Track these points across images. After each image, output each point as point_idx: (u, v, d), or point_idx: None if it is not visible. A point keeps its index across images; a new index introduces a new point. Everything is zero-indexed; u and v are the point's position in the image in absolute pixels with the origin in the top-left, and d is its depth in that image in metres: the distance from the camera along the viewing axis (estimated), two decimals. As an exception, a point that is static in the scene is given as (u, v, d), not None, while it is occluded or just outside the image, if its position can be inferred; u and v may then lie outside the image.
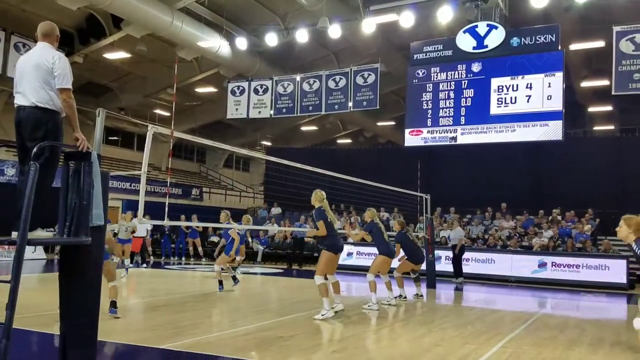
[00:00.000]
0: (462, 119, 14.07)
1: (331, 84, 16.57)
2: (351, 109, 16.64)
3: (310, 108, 17.11)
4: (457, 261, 14.77)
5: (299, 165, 10.44)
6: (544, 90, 13.20)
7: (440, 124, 14.31)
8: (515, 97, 13.47)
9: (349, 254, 16.94)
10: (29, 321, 6.78)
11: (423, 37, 15.64)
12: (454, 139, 14.16)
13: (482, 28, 13.98)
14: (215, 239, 21.41)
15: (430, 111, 14.46)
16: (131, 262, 17.36)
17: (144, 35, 17.62)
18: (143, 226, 16.67)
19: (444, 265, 16.22)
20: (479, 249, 16.89)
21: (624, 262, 14.54)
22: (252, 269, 17.63)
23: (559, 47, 13.28)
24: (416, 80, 14.78)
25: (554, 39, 13.25)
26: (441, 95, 14.37)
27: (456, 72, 14.26)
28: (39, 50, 4.24)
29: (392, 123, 27.97)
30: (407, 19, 14.83)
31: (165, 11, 16.19)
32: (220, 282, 11.44)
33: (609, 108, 23.31)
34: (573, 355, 6.17)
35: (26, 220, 3.48)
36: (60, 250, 4.53)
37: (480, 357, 5.89)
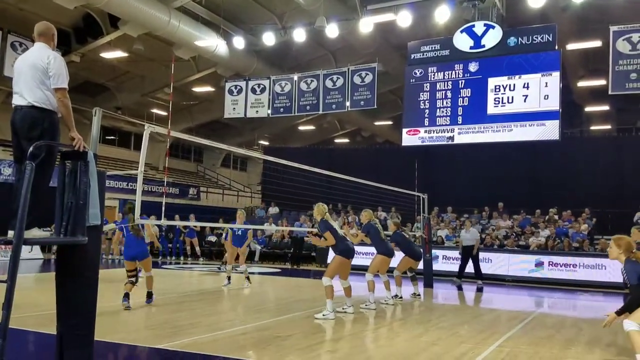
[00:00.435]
0: (459, 119, 14.07)
1: (329, 84, 16.57)
2: (349, 109, 16.64)
3: (308, 107, 17.10)
4: (477, 262, 14.56)
5: (296, 164, 10.45)
6: (541, 90, 13.21)
7: (437, 124, 14.32)
8: (512, 97, 13.49)
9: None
10: (25, 321, 6.77)
11: (420, 36, 15.65)
12: (451, 138, 14.17)
13: (479, 28, 13.99)
14: (212, 238, 21.41)
15: (427, 111, 14.47)
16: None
17: (141, 35, 17.60)
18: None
19: (442, 264, 16.26)
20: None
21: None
22: (249, 268, 17.59)
23: (556, 47, 13.30)
24: (413, 80, 14.78)
25: (550, 39, 13.26)
26: (438, 94, 14.38)
27: (453, 72, 14.26)
28: (35, 50, 4.25)
29: (390, 122, 27.99)
30: (404, 19, 14.84)
31: (162, 10, 16.17)
32: (248, 278, 12.08)
33: (605, 108, 23.37)
34: (570, 355, 6.19)
35: (22, 219, 3.47)
36: (57, 250, 4.53)
37: (477, 357, 5.89)
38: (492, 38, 13.80)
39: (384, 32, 17.71)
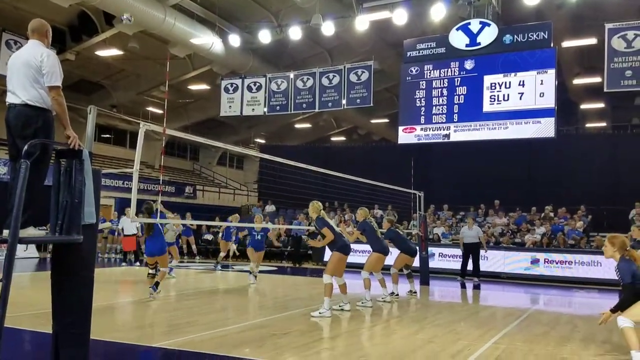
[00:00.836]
0: (455, 117, 14.10)
1: (325, 82, 16.57)
2: (345, 107, 16.66)
3: (304, 105, 17.10)
4: (477, 260, 14.52)
5: (293, 163, 10.44)
6: (536, 88, 13.24)
7: (433, 122, 14.34)
8: (508, 95, 13.51)
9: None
10: (21, 320, 6.75)
11: (416, 34, 15.66)
12: (447, 136, 14.19)
13: (474, 25, 14.01)
14: (209, 236, 21.39)
15: (423, 108, 14.49)
16: (124, 261, 17.36)
17: (136, 33, 17.54)
18: (134, 224, 16.63)
19: (438, 262, 16.29)
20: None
21: (615, 258, 14.63)
22: (245, 266, 17.59)
23: (552, 45, 13.33)
24: (409, 78, 14.79)
25: (546, 36, 13.29)
26: (434, 92, 14.39)
27: (449, 70, 14.28)
28: (29, 47, 4.23)
29: (386, 120, 28.01)
30: (400, 16, 14.85)
31: (158, 8, 16.13)
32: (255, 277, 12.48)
33: (601, 105, 23.44)
34: (565, 351, 6.21)
35: (17, 218, 3.46)
36: (53, 249, 4.51)
37: (473, 354, 5.91)
38: (487, 36, 13.83)
39: (379, 30, 17.70)
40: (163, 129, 7.30)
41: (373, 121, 28.42)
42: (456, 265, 15.54)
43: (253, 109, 17.76)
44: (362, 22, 15.47)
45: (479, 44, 13.93)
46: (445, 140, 14.29)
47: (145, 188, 21.64)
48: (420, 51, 14.71)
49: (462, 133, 14.02)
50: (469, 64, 14.06)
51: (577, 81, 21.15)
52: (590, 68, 19.70)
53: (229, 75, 19.62)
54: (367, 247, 10.23)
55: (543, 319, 8.82)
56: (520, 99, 13.39)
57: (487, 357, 5.82)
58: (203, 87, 23.72)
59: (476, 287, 13.59)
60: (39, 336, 6.20)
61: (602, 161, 20.42)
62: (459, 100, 14.11)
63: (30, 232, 3.97)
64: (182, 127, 24.48)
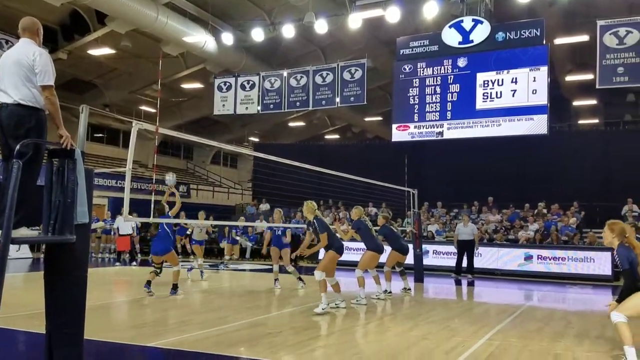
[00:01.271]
0: (449, 114, 14.13)
1: (318, 80, 16.55)
2: (338, 105, 16.65)
3: (298, 104, 17.08)
4: (471, 257, 14.58)
5: (287, 161, 10.44)
6: (529, 85, 13.28)
7: (426, 119, 14.36)
8: (501, 92, 13.56)
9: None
10: (14, 320, 6.72)
11: (409, 32, 15.67)
12: (441, 133, 14.22)
13: (467, 23, 14.03)
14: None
15: (416, 106, 14.51)
16: (118, 261, 17.30)
17: (128, 31, 17.46)
18: (128, 224, 16.60)
19: (432, 259, 16.34)
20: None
21: (608, 254, 14.71)
22: (240, 265, 17.60)
23: (544, 42, 13.37)
24: (402, 76, 14.81)
25: (538, 34, 13.33)
26: (427, 90, 14.42)
27: (442, 67, 14.31)
28: (20, 46, 4.19)
29: (380, 118, 28.03)
30: (393, 14, 14.86)
31: (150, 6, 16.06)
32: (300, 279, 11.38)
33: (593, 102, 23.54)
34: (559, 347, 6.25)
35: (10, 218, 3.44)
36: (46, 249, 4.49)
37: (467, 350, 5.94)
38: (480, 33, 13.85)
39: (372, 28, 17.71)
40: (156, 128, 7.28)
41: (367, 119, 28.44)
42: (450, 262, 15.61)
43: (247, 108, 17.72)
44: (355, 20, 15.47)
45: (472, 41, 13.96)
46: (439, 137, 14.32)
47: (139, 187, 21.57)
48: (413, 49, 14.73)
49: (456, 130, 14.06)
50: (461, 62, 14.09)
51: (569, 78, 21.23)
52: (582, 65, 19.78)
53: (222, 73, 19.57)
54: (361, 245, 10.25)
55: (537, 315, 8.86)
56: (513, 96, 13.43)
57: (481, 353, 5.84)
58: (196, 85, 23.66)
59: (470, 284, 13.64)
60: (33, 336, 6.17)
61: (595, 158, 20.54)
62: (452, 97, 14.14)
63: (23, 232, 3.95)
64: (176, 126, 24.41)
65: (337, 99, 16.33)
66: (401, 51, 14.94)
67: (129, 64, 21.97)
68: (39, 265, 15.58)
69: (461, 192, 20.51)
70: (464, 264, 14.75)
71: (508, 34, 13.62)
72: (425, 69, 14.52)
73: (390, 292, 10.56)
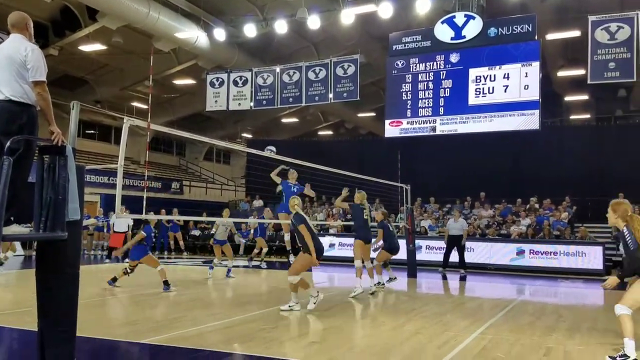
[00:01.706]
0: (441, 110, 14.17)
1: (311, 76, 16.53)
2: (331, 101, 16.63)
3: (291, 100, 17.05)
4: (462, 252, 14.59)
5: (280, 157, 10.44)
6: (521, 80, 13.34)
7: (419, 115, 14.40)
8: (493, 87, 13.60)
9: (331, 245, 16.99)
10: (6, 318, 6.70)
11: (402, 27, 15.66)
12: (433, 129, 14.26)
13: (459, 18, 14.06)
14: (196, 232, 21.32)
15: (409, 102, 14.54)
16: (109, 257, 17.22)
17: (119, 27, 17.34)
18: (124, 221, 16.50)
19: (425, 254, 16.40)
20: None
21: (600, 248, 14.85)
22: (234, 262, 17.54)
23: (536, 37, 13.43)
24: (395, 71, 14.82)
25: (530, 29, 13.38)
26: (420, 85, 14.45)
27: (435, 63, 14.33)
28: (10, 42, 4.15)
29: (373, 114, 28.01)
30: (385, 10, 14.85)
31: (141, 2, 15.95)
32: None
33: (585, 97, 23.63)
34: (551, 341, 6.29)
35: (0, 216, 3.42)
36: (37, 246, 4.47)
37: (460, 344, 5.97)
38: (472, 29, 13.89)
39: (365, 24, 17.68)
40: (148, 124, 7.24)
41: (360, 115, 28.41)
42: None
43: (239, 104, 17.67)
44: (348, 16, 15.45)
45: (464, 37, 13.99)
46: (432, 133, 14.36)
47: (131, 184, 21.49)
48: (406, 44, 14.75)
49: (448, 126, 14.11)
50: (454, 57, 14.12)
51: (561, 73, 21.30)
52: (574, 60, 19.84)
53: (214, 69, 19.50)
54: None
55: (529, 309, 8.92)
56: (505, 91, 13.48)
57: (473, 347, 5.88)
58: (188, 81, 23.55)
59: (462, 279, 13.71)
60: (25, 334, 6.15)
61: (587, 153, 20.66)
62: (444, 93, 14.17)
63: (14, 229, 3.92)
64: (168, 122, 24.29)
65: (330, 95, 16.32)
66: (394, 47, 14.95)
67: (120, 60, 21.83)
68: (31, 262, 15.49)
69: (454, 187, 20.58)
70: (456, 259, 14.79)
71: (500, 29, 13.66)
72: (418, 65, 14.54)
73: (383, 284, 10.93)
